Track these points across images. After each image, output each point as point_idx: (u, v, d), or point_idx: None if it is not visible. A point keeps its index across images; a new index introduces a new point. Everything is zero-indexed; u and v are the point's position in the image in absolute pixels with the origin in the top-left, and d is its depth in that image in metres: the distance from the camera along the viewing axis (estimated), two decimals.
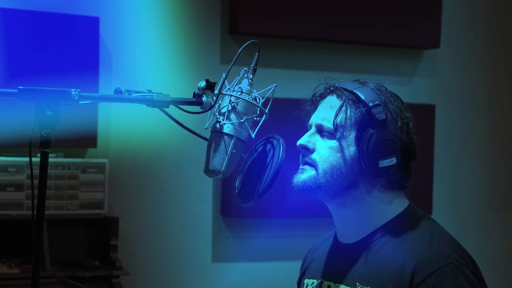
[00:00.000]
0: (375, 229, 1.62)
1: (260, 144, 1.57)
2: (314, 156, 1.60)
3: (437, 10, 4.41)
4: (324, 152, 1.59)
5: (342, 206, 1.62)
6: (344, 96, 1.59)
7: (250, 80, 1.53)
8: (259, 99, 1.52)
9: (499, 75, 4.75)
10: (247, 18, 3.99)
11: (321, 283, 1.68)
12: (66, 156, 3.62)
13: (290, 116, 4.13)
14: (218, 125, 1.49)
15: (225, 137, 1.47)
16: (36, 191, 1.33)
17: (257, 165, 1.53)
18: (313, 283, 1.71)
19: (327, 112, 1.61)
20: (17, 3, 3.59)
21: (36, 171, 1.34)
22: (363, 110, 1.57)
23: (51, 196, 3.50)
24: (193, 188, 4.02)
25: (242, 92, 1.50)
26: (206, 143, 1.50)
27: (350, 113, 1.58)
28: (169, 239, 4.00)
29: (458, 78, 4.66)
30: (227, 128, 1.47)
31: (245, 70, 1.53)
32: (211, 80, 1.49)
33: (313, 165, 1.59)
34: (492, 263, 4.53)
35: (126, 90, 1.42)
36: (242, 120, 1.48)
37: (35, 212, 1.32)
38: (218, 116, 1.49)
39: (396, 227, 1.61)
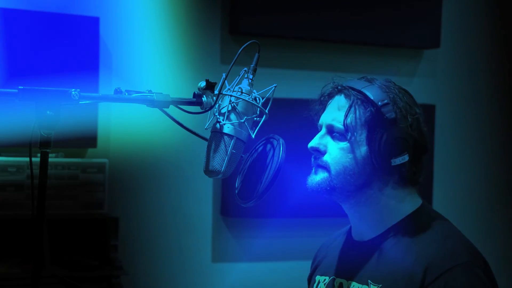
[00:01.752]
0: (389, 227, 1.62)
1: (260, 144, 1.56)
2: (326, 158, 1.60)
3: (437, 10, 4.41)
4: (336, 154, 1.59)
5: (356, 205, 1.63)
6: (352, 96, 1.59)
7: (250, 80, 1.52)
8: (259, 99, 1.52)
9: (499, 75, 4.75)
10: (247, 18, 3.99)
11: (333, 280, 1.68)
12: (66, 156, 3.62)
13: (290, 116, 4.13)
14: (218, 125, 1.48)
15: (225, 137, 1.47)
16: (36, 191, 1.33)
17: (257, 165, 1.53)
18: (324, 280, 1.72)
19: (336, 112, 1.60)
20: (17, 3, 3.59)
21: (36, 171, 1.34)
22: (372, 109, 1.57)
23: (51, 196, 3.49)
24: (193, 188, 4.02)
25: (242, 92, 1.49)
26: (206, 143, 1.50)
27: (360, 113, 1.58)
28: (169, 239, 4.00)
29: (458, 78, 4.66)
30: (227, 128, 1.47)
31: (245, 70, 1.53)
32: (211, 80, 1.48)
33: (325, 167, 1.59)
34: (493, 263, 4.52)
35: (126, 90, 1.42)
36: (242, 120, 1.48)
37: (35, 212, 1.32)
38: (218, 116, 1.49)
39: (410, 225, 1.61)
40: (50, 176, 3.43)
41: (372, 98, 1.57)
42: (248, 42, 1.52)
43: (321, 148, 1.60)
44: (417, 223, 1.61)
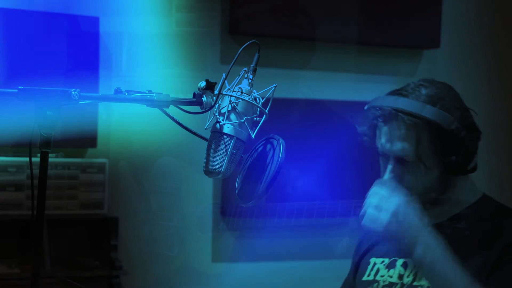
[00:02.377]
0: (456, 213, 1.69)
1: (260, 144, 1.56)
2: (406, 187, 1.63)
3: (437, 10, 4.41)
4: (416, 181, 1.64)
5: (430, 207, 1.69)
6: (416, 124, 1.60)
7: (250, 80, 1.52)
8: (259, 100, 1.51)
9: (499, 75, 4.75)
10: (247, 18, 3.99)
11: (395, 261, 1.74)
12: (66, 156, 3.62)
13: (290, 116, 4.12)
14: (218, 125, 1.48)
15: (225, 137, 1.47)
16: (36, 191, 1.33)
17: (257, 165, 1.53)
18: (383, 261, 1.77)
19: (402, 142, 1.63)
20: (17, 3, 3.59)
21: (36, 171, 1.34)
22: (444, 135, 1.60)
23: (51, 196, 3.49)
24: (193, 188, 4.02)
25: (242, 93, 1.49)
26: (206, 143, 1.50)
27: (430, 140, 1.61)
28: (169, 239, 4.00)
29: (458, 78, 4.65)
30: (227, 129, 1.47)
31: (245, 70, 1.53)
32: (211, 80, 1.48)
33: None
34: None
35: (126, 90, 1.42)
36: (242, 121, 1.48)
37: (35, 212, 1.32)
38: (218, 116, 1.48)
39: (479, 209, 1.69)
40: (50, 176, 3.43)
41: (440, 124, 1.59)
42: (248, 42, 1.51)
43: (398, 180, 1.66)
44: (486, 208, 1.70)
